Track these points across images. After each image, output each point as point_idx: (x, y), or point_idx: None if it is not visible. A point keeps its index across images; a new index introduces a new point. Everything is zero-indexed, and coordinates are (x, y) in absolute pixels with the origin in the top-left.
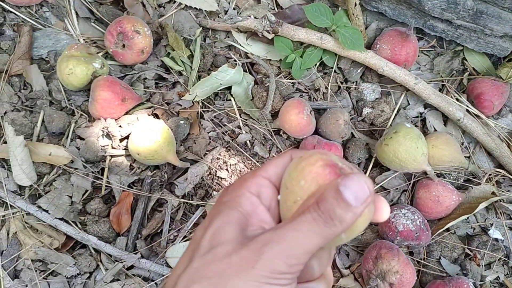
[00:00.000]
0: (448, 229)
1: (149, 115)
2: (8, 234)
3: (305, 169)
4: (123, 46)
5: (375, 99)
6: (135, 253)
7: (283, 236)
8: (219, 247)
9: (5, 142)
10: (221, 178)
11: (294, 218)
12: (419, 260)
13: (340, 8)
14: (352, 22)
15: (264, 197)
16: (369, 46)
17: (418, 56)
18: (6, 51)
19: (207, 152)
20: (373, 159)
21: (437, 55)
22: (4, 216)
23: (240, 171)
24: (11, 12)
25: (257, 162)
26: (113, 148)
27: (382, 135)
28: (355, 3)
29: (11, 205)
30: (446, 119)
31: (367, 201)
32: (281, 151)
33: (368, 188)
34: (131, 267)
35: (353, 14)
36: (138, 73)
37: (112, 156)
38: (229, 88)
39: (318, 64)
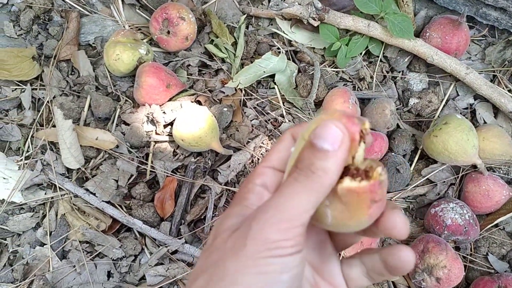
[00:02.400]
0: (496, 225)
1: (192, 102)
2: (56, 215)
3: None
4: (168, 32)
5: (422, 90)
6: (179, 238)
7: (268, 206)
8: (218, 237)
9: (54, 126)
10: None
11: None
12: (466, 256)
13: None
14: (401, 9)
15: (270, 185)
16: (417, 34)
17: (469, 45)
18: (54, 37)
19: (249, 140)
20: (419, 151)
21: (488, 45)
22: (52, 198)
23: None
24: None
25: None
26: (157, 134)
27: (429, 127)
28: None
29: (59, 187)
30: (496, 111)
31: (344, 141)
32: None
33: (339, 128)
34: (175, 251)
35: (403, 1)
36: (182, 59)
37: (156, 142)
38: (272, 76)
39: (363, 52)
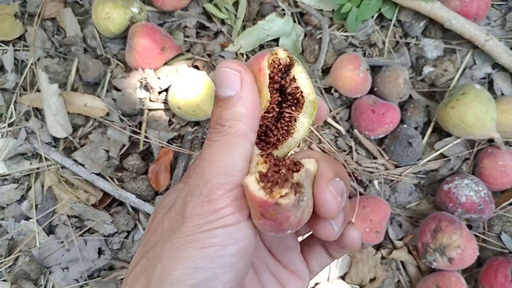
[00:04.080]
0: (511, 203)
1: (189, 66)
2: (42, 187)
3: None
4: None
5: (437, 57)
6: None
7: (195, 177)
8: (155, 219)
9: (39, 91)
10: None
11: None
12: (478, 234)
13: None
14: None
15: None
16: None
17: (489, 10)
18: None
19: None
20: (433, 123)
21: (509, 10)
22: (38, 168)
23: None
24: None
25: None
26: (151, 101)
27: (443, 97)
28: None
29: (45, 158)
30: None
31: (244, 78)
32: (331, 111)
33: (233, 68)
34: None
35: None
36: (178, 20)
37: (150, 110)
38: (276, 40)
39: (375, 16)
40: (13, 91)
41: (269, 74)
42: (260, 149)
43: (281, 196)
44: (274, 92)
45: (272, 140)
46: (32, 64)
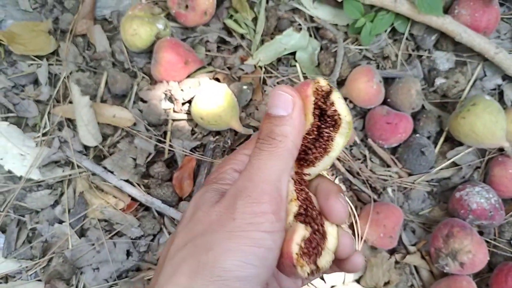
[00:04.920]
0: None
1: (210, 79)
2: (74, 193)
3: None
4: (186, 7)
5: (449, 69)
6: None
7: (246, 181)
8: (198, 211)
9: (71, 102)
10: None
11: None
12: (489, 240)
13: None
14: None
15: (241, 170)
16: (445, 11)
17: (499, 24)
18: (69, 10)
19: None
20: (445, 133)
21: None
22: (70, 175)
23: None
24: None
25: None
26: (175, 111)
27: (455, 108)
28: None
29: (77, 165)
30: None
31: (296, 102)
32: None
33: (288, 92)
34: None
35: None
36: (200, 35)
37: (174, 120)
38: (293, 53)
39: (388, 30)
40: (47, 102)
41: (314, 101)
42: (299, 165)
43: (301, 266)
44: (315, 117)
45: (311, 157)
46: (64, 77)
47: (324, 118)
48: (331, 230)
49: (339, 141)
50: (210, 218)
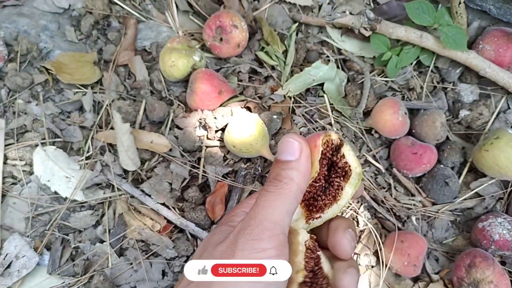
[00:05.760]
0: None
1: (242, 108)
2: (114, 214)
3: None
4: (221, 39)
5: (473, 101)
6: None
7: (249, 217)
8: (204, 253)
9: (112, 128)
10: None
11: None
12: (511, 271)
13: (440, 5)
14: (454, 21)
15: None
16: (469, 45)
17: None
18: (112, 42)
19: None
20: (468, 164)
21: None
22: (111, 197)
23: None
24: (117, 4)
25: None
26: (208, 139)
27: (479, 139)
28: (460, 1)
29: (117, 188)
30: None
31: (303, 149)
32: (371, 150)
33: (296, 140)
34: None
35: (456, 13)
36: (233, 66)
37: (207, 147)
38: (321, 84)
39: (414, 62)
40: (90, 128)
41: (322, 151)
42: (308, 211)
43: None
44: (323, 166)
45: (320, 204)
46: (107, 105)
47: (335, 169)
48: None
49: (348, 191)
50: (213, 258)
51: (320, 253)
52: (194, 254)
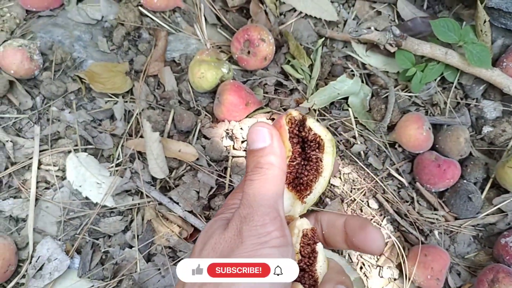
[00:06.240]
0: None
1: (267, 119)
2: (143, 220)
3: None
4: (248, 52)
5: (496, 118)
6: None
7: (246, 208)
8: (210, 239)
9: (142, 137)
10: (334, 185)
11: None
12: None
13: (465, 23)
14: (479, 38)
15: None
16: (493, 63)
17: None
18: (143, 53)
19: None
20: (491, 180)
21: None
22: (139, 204)
23: (353, 180)
24: (148, 16)
25: (371, 172)
26: (234, 149)
27: (502, 155)
28: (485, 20)
29: (146, 195)
30: None
31: (272, 133)
32: (394, 164)
33: (262, 125)
34: None
35: (481, 31)
36: (260, 78)
37: (233, 157)
38: (346, 98)
39: (438, 78)
40: (121, 136)
41: (288, 129)
42: (297, 191)
43: None
44: (295, 144)
45: (305, 180)
46: (137, 114)
47: (308, 144)
48: None
49: (328, 160)
50: (221, 246)
51: (319, 247)
52: (193, 249)
